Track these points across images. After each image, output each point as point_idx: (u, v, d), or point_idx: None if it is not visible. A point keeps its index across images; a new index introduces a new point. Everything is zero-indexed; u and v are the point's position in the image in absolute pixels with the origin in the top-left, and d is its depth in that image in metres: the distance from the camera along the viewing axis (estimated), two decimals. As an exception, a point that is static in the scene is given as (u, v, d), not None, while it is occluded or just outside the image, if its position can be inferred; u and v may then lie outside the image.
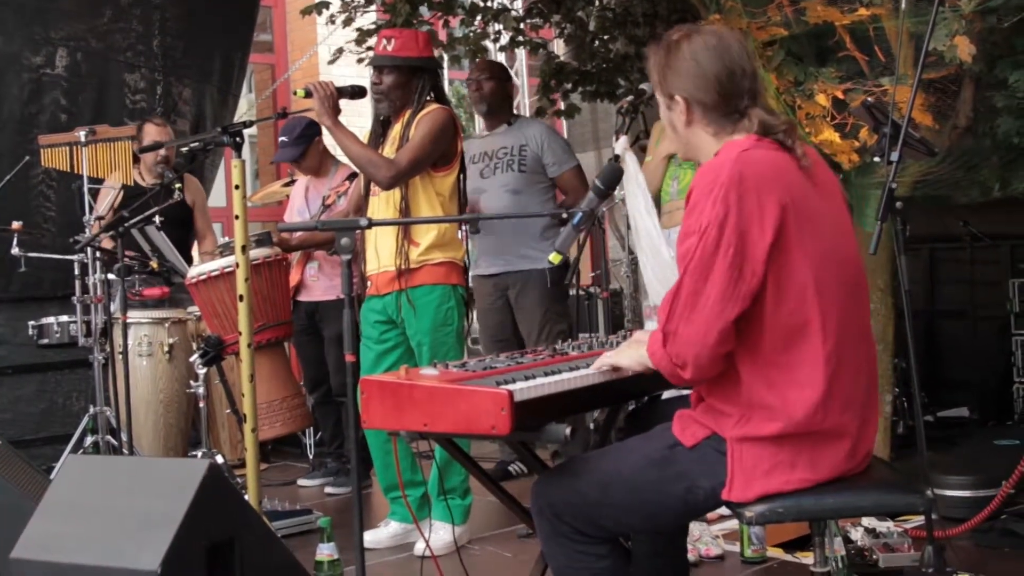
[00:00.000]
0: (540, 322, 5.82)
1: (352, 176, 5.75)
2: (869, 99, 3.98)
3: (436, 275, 4.58)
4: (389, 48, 4.61)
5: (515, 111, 6.31)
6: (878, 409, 2.70)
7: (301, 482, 6.35)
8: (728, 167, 2.42)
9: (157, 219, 5.33)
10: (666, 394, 3.15)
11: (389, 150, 4.58)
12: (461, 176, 4.75)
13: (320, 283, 6.04)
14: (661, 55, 2.64)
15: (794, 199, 2.43)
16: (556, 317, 5.86)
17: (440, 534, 4.53)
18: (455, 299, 4.64)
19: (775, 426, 2.43)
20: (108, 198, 5.96)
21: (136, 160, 6.07)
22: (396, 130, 4.63)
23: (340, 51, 7.73)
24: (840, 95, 4.64)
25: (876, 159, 3.71)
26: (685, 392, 2.81)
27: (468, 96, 6.36)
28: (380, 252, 4.61)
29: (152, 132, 6.05)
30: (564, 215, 5.28)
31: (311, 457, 6.89)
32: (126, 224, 5.18)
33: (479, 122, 6.19)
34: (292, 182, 6.80)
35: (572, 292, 7.60)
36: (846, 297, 2.51)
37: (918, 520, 4.28)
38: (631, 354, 2.67)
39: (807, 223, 2.44)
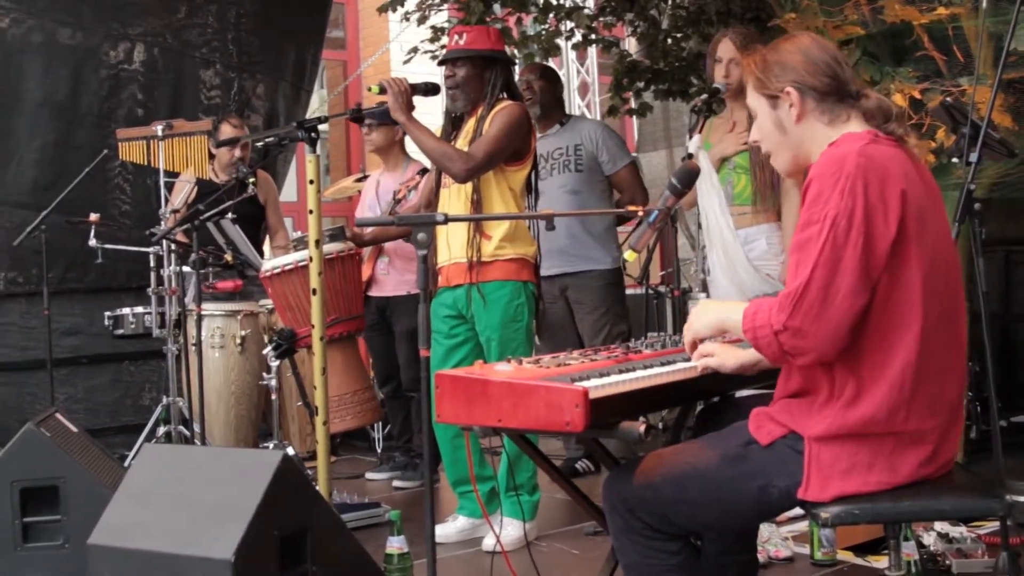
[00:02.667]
0: (599, 323, 5.80)
1: (423, 171, 5.77)
2: (948, 99, 3.93)
3: (507, 271, 4.58)
4: (461, 42, 4.64)
5: (577, 110, 6.28)
6: (963, 417, 2.65)
7: (369, 475, 6.39)
8: (853, 158, 2.38)
9: (230, 214, 5.40)
10: (739, 393, 3.14)
11: (462, 144, 4.59)
12: (533, 173, 4.76)
13: (391, 278, 6.06)
14: (759, 59, 2.62)
15: (913, 196, 2.40)
16: (616, 318, 5.84)
17: (509, 530, 4.53)
18: (525, 295, 4.64)
19: (855, 417, 2.40)
20: (183, 192, 6.06)
21: (211, 157, 6.14)
22: (470, 124, 4.65)
23: (415, 50, 7.76)
24: (917, 95, 4.59)
25: (955, 160, 3.67)
26: (760, 392, 2.78)
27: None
28: (451, 244, 4.62)
29: (228, 132, 6.12)
30: (640, 212, 5.23)
31: (379, 451, 6.93)
32: (201, 217, 5.26)
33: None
34: (364, 177, 6.85)
35: (641, 291, 7.59)
36: (948, 303, 2.48)
37: (992, 526, 4.22)
38: (735, 355, 2.67)
39: (922, 222, 2.41)
